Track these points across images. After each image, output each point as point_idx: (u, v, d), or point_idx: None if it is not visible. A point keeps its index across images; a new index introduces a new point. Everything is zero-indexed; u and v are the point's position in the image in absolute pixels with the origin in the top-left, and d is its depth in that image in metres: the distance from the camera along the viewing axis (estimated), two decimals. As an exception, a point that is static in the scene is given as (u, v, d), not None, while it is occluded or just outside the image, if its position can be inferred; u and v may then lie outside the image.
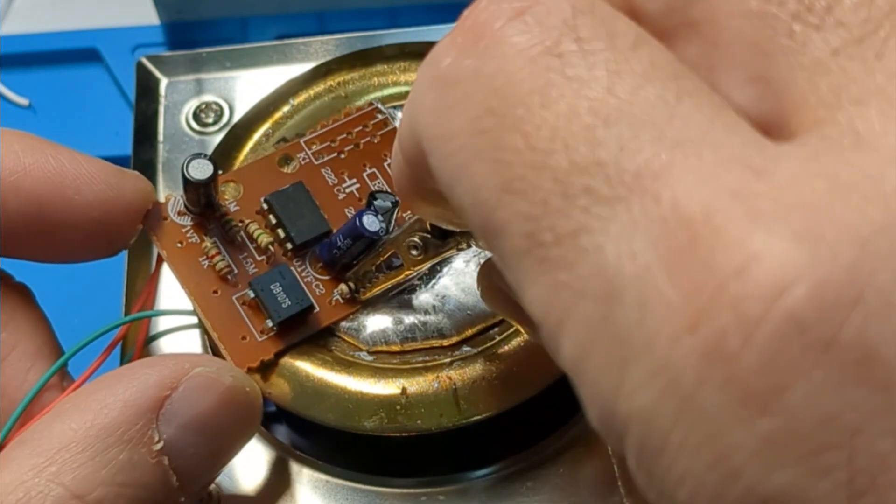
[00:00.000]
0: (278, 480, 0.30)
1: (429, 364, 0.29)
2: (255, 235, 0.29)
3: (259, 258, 0.29)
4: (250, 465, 0.31)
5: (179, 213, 0.29)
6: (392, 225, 0.29)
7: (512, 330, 0.29)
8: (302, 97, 0.33)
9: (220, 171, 0.29)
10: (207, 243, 0.29)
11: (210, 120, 0.36)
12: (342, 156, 0.31)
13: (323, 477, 0.30)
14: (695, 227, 0.14)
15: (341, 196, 0.30)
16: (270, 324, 0.28)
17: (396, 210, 0.29)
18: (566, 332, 0.15)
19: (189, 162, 0.28)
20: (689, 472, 0.14)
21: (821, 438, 0.13)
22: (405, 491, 0.30)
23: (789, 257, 0.13)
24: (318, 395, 0.28)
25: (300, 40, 0.38)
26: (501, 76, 0.16)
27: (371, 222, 0.28)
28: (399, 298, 0.30)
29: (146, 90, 0.37)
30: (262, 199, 0.30)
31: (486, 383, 0.28)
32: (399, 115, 0.33)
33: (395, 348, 0.29)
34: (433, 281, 0.30)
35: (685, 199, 0.14)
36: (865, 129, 0.14)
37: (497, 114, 0.16)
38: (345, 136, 0.31)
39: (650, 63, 0.16)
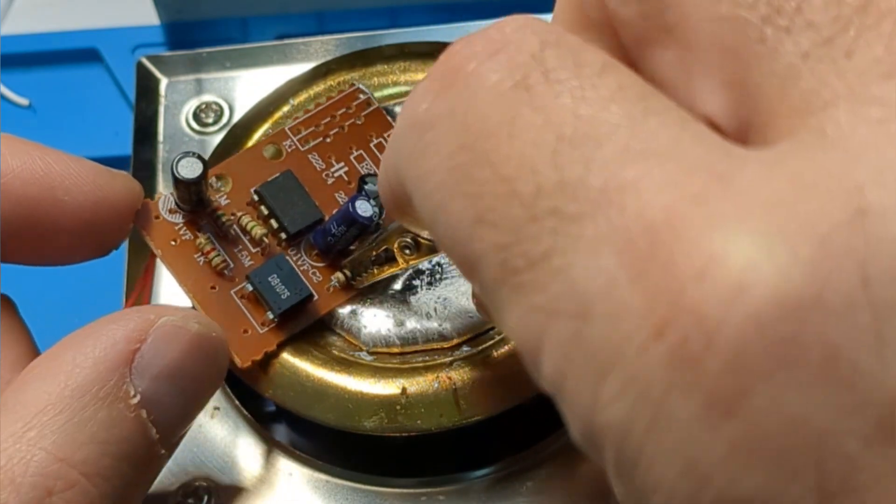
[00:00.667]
0: (278, 480, 0.30)
1: (429, 364, 0.29)
2: (248, 228, 0.29)
3: (254, 250, 0.29)
4: (250, 464, 0.31)
5: (171, 211, 0.29)
6: (383, 208, 0.29)
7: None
8: (302, 97, 0.33)
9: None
10: (201, 239, 0.29)
11: (210, 120, 0.36)
12: (328, 140, 0.31)
13: (323, 477, 0.30)
14: (656, 234, 0.14)
15: (330, 181, 0.30)
16: (271, 316, 0.28)
17: None
18: (544, 354, 0.15)
19: (178, 161, 0.28)
20: (662, 480, 0.14)
21: (788, 441, 0.13)
22: (405, 491, 0.30)
23: (748, 258, 0.13)
24: (318, 395, 0.28)
25: (300, 40, 0.38)
26: (472, 113, 0.16)
27: (364, 208, 0.28)
28: (400, 302, 0.30)
29: (146, 90, 0.37)
30: (252, 191, 0.30)
31: (486, 383, 0.28)
32: (397, 110, 0.33)
33: (395, 350, 0.29)
34: (435, 284, 0.30)
35: (648, 207, 0.14)
36: (833, 131, 0.14)
37: (468, 149, 0.16)
38: (329, 119, 0.31)
39: (617, 86, 0.16)
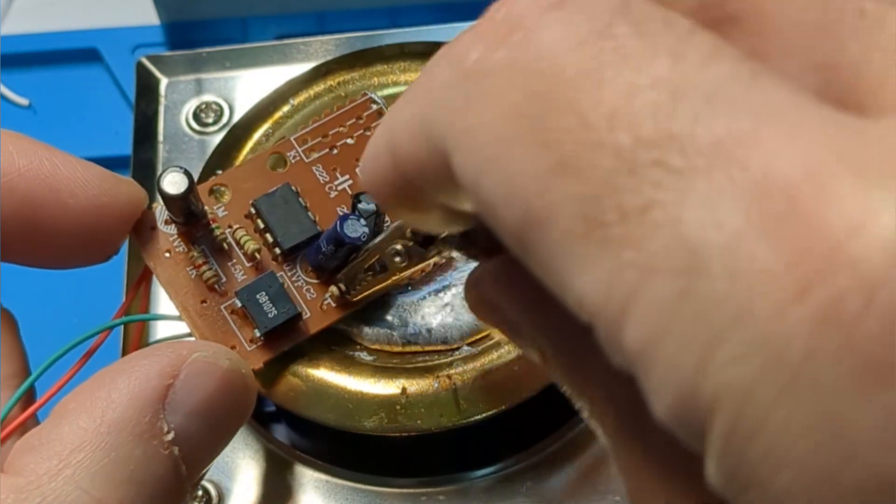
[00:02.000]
0: (278, 480, 0.30)
1: (429, 364, 0.29)
2: (241, 242, 0.29)
3: (248, 265, 0.29)
4: (250, 465, 0.31)
5: (166, 222, 0.29)
6: (379, 227, 0.28)
7: (512, 330, 0.29)
8: (302, 97, 0.33)
9: (197, 182, 0.28)
10: (195, 252, 0.28)
11: (210, 120, 0.36)
12: (335, 151, 0.30)
13: (323, 477, 0.30)
14: (795, 190, 0.13)
15: (333, 194, 0.30)
16: (258, 334, 0.28)
17: (382, 212, 0.28)
18: (633, 315, 0.14)
19: (163, 176, 0.27)
20: (791, 453, 0.13)
21: None
22: (405, 491, 0.30)
23: None
24: (318, 395, 0.28)
25: (300, 40, 0.38)
26: (545, 61, 0.15)
27: (352, 228, 0.27)
28: (403, 308, 0.29)
29: (146, 90, 0.37)
30: (249, 204, 0.29)
31: (486, 383, 0.28)
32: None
33: (396, 349, 0.29)
34: (440, 292, 0.30)
35: (780, 162, 0.13)
36: None
37: (541, 97, 0.15)
38: (338, 129, 0.30)
39: (713, 46, 0.15)
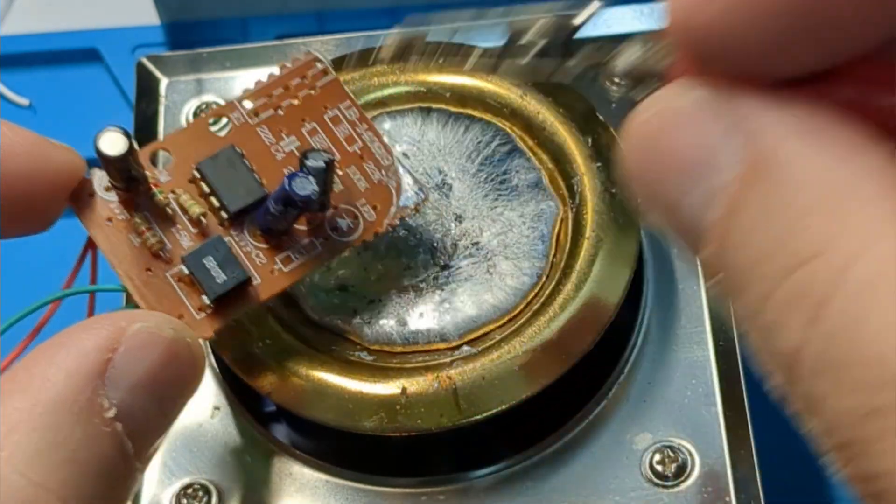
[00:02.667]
0: (278, 480, 0.30)
1: (429, 364, 0.29)
2: (186, 206, 0.27)
3: (193, 230, 0.27)
4: (249, 464, 0.31)
5: (106, 189, 0.27)
6: (329, 185, 0.27)
7: (512, 330, 0.29)
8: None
9: (139, 146, 0.27)
10: (137, 218, 0.27)
11: (210, 120, 0.36)
12: (280, 112, 0.29)
13: (323, 477, 0.30)
14: None
15: (280, 156, 0.28)
16: (207, 301, 0.26)
17: (331, 169, 0.27)
18: None
19: (99, 136, 0.26)
20: None
21: None
22: (405, 491, 0.30)
23: None
24: (318, 395, 0.28)
25: (300, 40, 0.38)
26: None
27: (301, 185, 0.26)
28: (402, 307, 0.29)
29: (146, 90, 0.37)
30: (193, 168, 0.28)
31: (486, 383, 0.28)
32: (388, 123, 0.33)
33: (396, 349, 0.29)
34: (440, 285, 0.30)
35: None
36: None
37: None
38: (282, 90, 0.29)
39: None
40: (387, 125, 0.32)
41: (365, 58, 0.34)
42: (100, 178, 0.27)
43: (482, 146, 0.32)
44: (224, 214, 0.27)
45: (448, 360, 0.29)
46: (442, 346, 0.29)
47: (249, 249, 0.27)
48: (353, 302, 0.30)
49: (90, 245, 0.28)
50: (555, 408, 0.30)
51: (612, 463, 0.30)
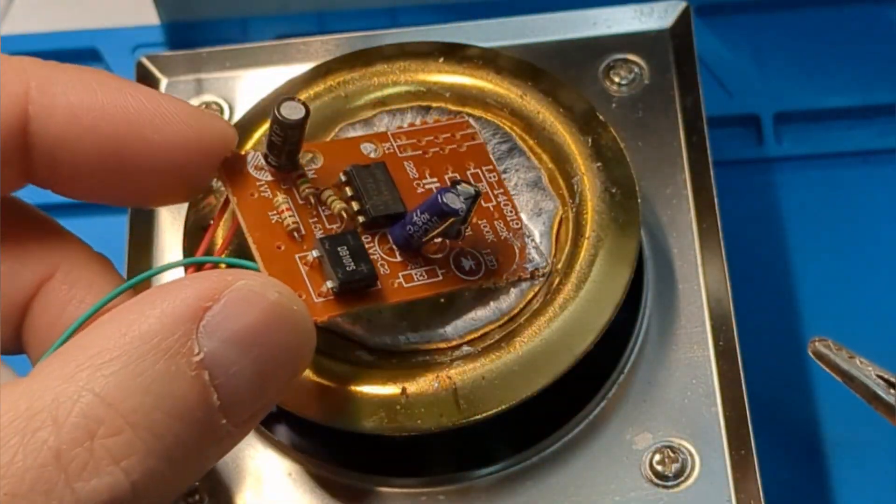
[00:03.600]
0: (278, 480, 0.30)
1: (429, 364, 0.29)
2: (328, 201, 0.28)
3: (329, 226, 0.28)
4: (249, 464, 0.31)
5: (257, 168, 0.28)
6: (470, 215, 0.28)
7: (512, 330, 0.29)
8: (302, 97, 0.33)
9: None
10: (280, 198, 0.28)
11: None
12: (427, 155, 0.30)
13: (323, 477, 0.30)
14: None
15: (420, 190, 0.30)
16: (330, 284, 0.27)
17: (476, 201, 0.28)
18: None
19: (282, 101, 0.27)
20: None
21: None
22: (405, 491, 0.30)
23: None
24: (318, 395, 0.28)
25: (300, 40, 0.38)
26: None
27: (452, 199, 0.27)
28: (401, 307, 0.29)
29: (146, 90, 0.37)
30: (341, 172, 0.29)
31: (486, 383, 0.28)
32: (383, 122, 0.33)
33: (398, 348, 0.29)
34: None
35: None
36: None
37: None
38: (431, 138, 0.31)
39: None
40: (384, 121, 0.32)
41: (365, 57, 0.34)
42: (252, 157, 0.28)
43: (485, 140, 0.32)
44: (361, 219, 0.28)
45: (448, 360, 0.29)
46: (442, 345, 0.29)
47: (377, 257, 0.28)
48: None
49: (220, 216, 0.29)
50: (555, 408, 0.30)
51: (612, 463, 0.30)
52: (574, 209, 0.31)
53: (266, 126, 0.33)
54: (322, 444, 0.30)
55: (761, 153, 0.40)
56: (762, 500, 0.29)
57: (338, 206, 0.28)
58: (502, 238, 0.30)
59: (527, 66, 0.33)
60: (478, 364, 0.28)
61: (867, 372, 0.21)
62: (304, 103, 0.27)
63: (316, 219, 0.28)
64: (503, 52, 0.34)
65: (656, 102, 0.35)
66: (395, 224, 0.28)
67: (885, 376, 0.21)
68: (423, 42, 0.34)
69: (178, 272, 0.28)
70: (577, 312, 0.29)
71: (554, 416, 0.30)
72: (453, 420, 0.28)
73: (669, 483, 0.29)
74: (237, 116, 0.35)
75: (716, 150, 0.34)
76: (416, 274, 0.28)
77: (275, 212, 0.28)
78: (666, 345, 0.31)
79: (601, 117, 0.32)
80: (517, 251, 0.30)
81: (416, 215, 0.27)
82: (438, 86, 0.33)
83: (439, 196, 0.27)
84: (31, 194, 0.41)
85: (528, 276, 0.30)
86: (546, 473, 0.30)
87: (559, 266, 0.30)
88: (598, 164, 0.31)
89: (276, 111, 0.27)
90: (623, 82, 0.35)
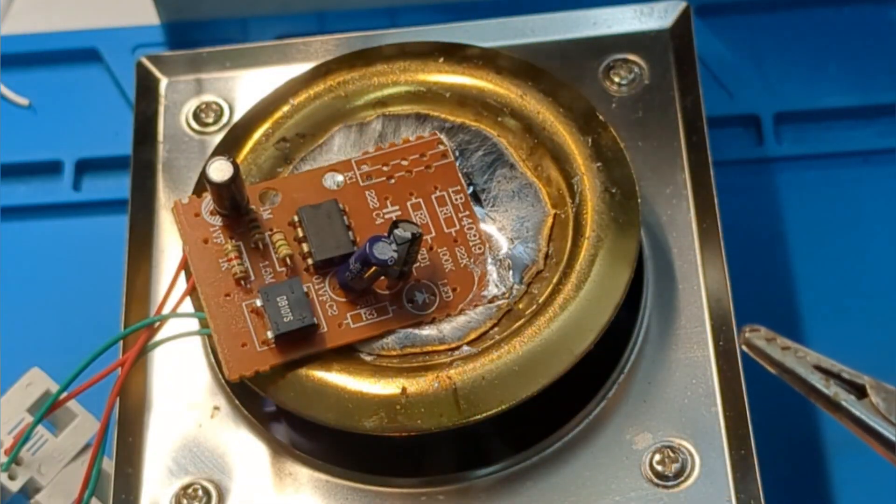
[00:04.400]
0: (278, 480, 0.30)
1: (429, 364, 0.29)
2: (276, 245, 0.29)
3: (279, 269, 0.29)
4: (249, 464, 0.31)
5: (211, 213, 0.29)
6: (412, 256, 0.28)
7: (512, 330, 0.29)
8: (302, 97, 0.33)
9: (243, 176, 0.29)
10: (230, 246, 0.29)
11: (210, 120, 0.36)
12: (391, 181, 0.31)
13: (323, 477, 0.30)
14: None
15: (378, 221, 0.30)
16: (270, 335, 0.28)
17: (417, 243, 0.28)
18: None
19: (210, 163, 0.28)
20: None
21: None
22: (405, 491, 0.30)
23: None
24: (318, 395, 0.28)
25: (300, 40, 0.38)
26: None
27: (381, 250, 0.27)
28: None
29: (146, 90, 0.37)
30: (295, 214, 0.29)
31: (486, 383, 0.28)
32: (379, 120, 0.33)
33: (394, 352, 0.29)
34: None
35: None
36: None
37: None
38: (399, 161, 0.31)
39: None
40: (378, 127, 0.32)
41: (365, 57, 0.34)
42: (206, 203, 0.29)
43: (467, 154, 0.32)
44: (310, 261, 0.29)
45: (448, 360, 0.29)
46: (441, 347, 0.29)
47: (326, 299, 0.29)
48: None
49: (184, 263, 0.30)
50: (555, 408, 0.30)
51: (612, 463, 0.30)
52: (574, 209, 0.31)
53: (266, 126, 0.33)
54: (322, 443, 0.30)
55: (761, 153, 0.40)
56: (762, 500, 0.29)
57: (284, 251, 0.29)
58: (461, 265, 0.30)
59: (527, 66, 0.33)
60: (478, 364, 0.28)
61: (804, 363, 0.20)
62: (233, 162, 0.28)
63: (268, 262, 0.29)
64: (503, 52, 0.34)
65: (656, 102, 0.35)
66: (341, 266, 0.29)
67: (824, 366, 0.20)
68: (423, 42, 0.34)
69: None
70: (577, 312, 0.29)
71: (554, 416, 0.30)
72: (453, 420, 0.28)
73: (669, 483, 0.29)
74: (237, 116, 0.35)
75: (716, 150, 0.34)
76: (364, 313, 0.29)
77: (225, 258, 0.29)
78: (666, 345, 0.31)
79: (601, 117, 0.32)
80: (476, 279, 0.30)
81: (352, 262, 0.28)
82: (438, 86, 0.33)
83: (367, 246, 0.27)
84: (31, 194, 0.41)
85: (486, 304, 0.30)
86: (546, 473, 0.30)
87: (559, 266, 0.30)
88: (598, 164, 0.31)
89: (204, 171, 0.28)
90: (623, 82, 0.35)
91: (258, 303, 0.28)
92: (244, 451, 0.31)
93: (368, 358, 0.29)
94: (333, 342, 0.29)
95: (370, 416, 0.28)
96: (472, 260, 0.30)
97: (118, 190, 0.39)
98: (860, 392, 0.19)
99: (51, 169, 0.41)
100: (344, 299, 0.29)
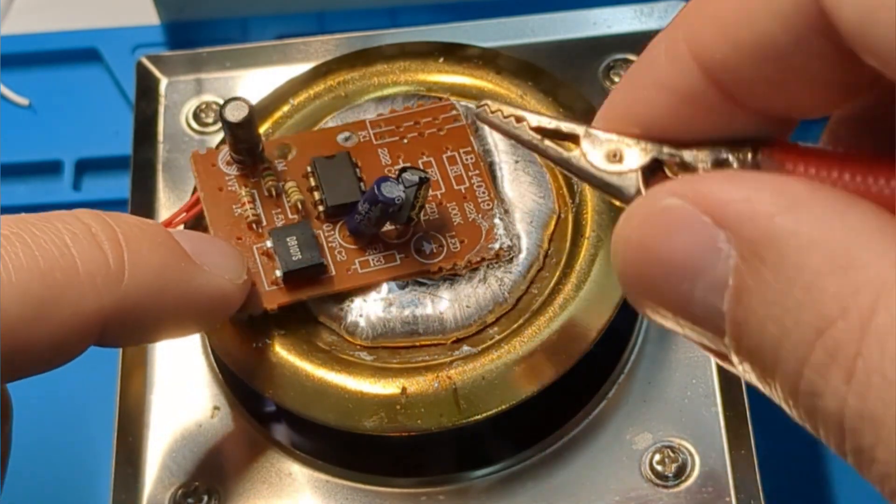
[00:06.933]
0: (278, 480, 0.30)
1: (429, 364, 0.29)
2: (288, 192, 0.30)
3: (291, 216, 0.30)
4: (249, 464, 0.31)
5: (227, 163, 0.30)
6: (418, 202, 0.28)
7: (512, 330, 0.29)
8: (302, 97, 0.33)
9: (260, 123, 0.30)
10: (243, 192, 0.30)
11: (210, 120, 0.36)
12: (404, 141, 0.31)
13: (323, 477, 0.30)
14: None
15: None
16: (278, 273, 0.28)
17: (424, 188, 0.28)
18: None
19: (226, 103, 0.29)
20: None
21: None
22: (405, 491, 0.30)
23: None
24: (318, 395, 0.28)
25: (300, 40, 0.38)
26: None
27: (389, 189, 0.28)
28: (398, 304, 0.29)
29: (146, 90, 0.37)
30: (308, 164, 0.30)
31: (486, 383, 0.28)
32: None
33: (396, 343, 0.29)
34: (436, 281, 0.30)
35: None
36: None
37: None
38: (412, 123, 0.31)
39: None
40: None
41: (365, 57, 0.34)
42: (223, 154, 0.30)
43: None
44: (321, 208, 0.30)
45: (448, 359, 0.29)
46: (441, 339, 0.29)
47: (335, 245, 0.29)
48: (352, 298, 0.30)
49: (194, 205, 0.30)
50: (555, 408, 0.30)
51: (612, 463, 0.30)
52: (574, 209, 0.31)
53: (266, 126, 0.33)
54: (322, 443, 0.30)
55: (761, 153, 0.40)
56: (762, 500, 0.29)
57: (295, 197, 0.30)
58: (470, 220, 0.30)
59: (527, 66, 0.33)
60: (478, 364, 0.28)
61: (523, 127, 0.20)
62: (247, 102, 0.29)
63: (279, 209, 0.30)
64: (503, 52, 0.34)
65: (656, 102, 0.35)
66: (350, 213, 0.29)
67: (543, 124, 0.20)
68: (423, 42, 0.34)
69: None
70: (577, 312, 0.29)
71: (554, 416, 0.30)
72: (453, 420, 0.28)
73: (669, 483, 0.29)
74: (237, 116, 0.35)
75: (716, 150, 0.34)
76: (373, 259, 0.29)
77: (238, 204, 0.30)
78: (666, 345, 0.31)
79: (601, 117, 0.32)
80: (483, 232, 0.30)
81: (360, 204, 0.28)
82: (438, 86, 0.33)
83: (376, 186, 0.28)
84: (30, 194, 0.41)
85: (493, 256, 0.30)
86: (546, 473, 0.30)
87: (559, 266, 0.30)
88: (598, 164, 0.31)
89: (221, 113, 0.29)
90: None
91: (269, 244, 0.29)
92: (244, 451, 0.31)
93: (368, 358, 0.29)
94: (341, 285, 0.29)
95: (370, 416, 0.28)
96: (480, 215, 0.30)
97: (118, 190, 0.39)
98: (575, 141, 0.20)
99: (51, 169, 0.41)
100: (353, 246, 0.29)
